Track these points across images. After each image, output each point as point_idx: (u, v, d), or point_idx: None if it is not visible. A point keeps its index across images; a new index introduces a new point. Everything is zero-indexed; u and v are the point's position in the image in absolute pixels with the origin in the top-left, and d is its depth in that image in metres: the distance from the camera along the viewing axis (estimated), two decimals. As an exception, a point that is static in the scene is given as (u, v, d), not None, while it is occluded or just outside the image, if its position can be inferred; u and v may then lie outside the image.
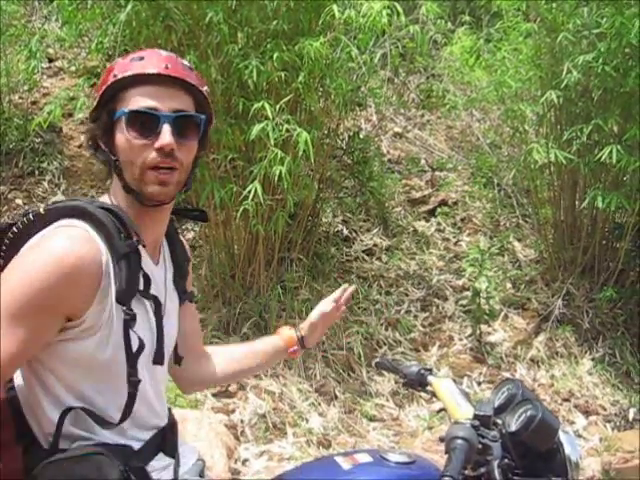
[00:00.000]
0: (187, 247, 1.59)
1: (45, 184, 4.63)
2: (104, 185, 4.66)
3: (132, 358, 1.31)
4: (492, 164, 5.39)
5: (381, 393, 3.91)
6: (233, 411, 3.57)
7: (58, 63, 5.16)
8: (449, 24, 5.28)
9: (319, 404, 3.74)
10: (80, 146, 4.84)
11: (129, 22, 3.69)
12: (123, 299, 1.29)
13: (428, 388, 1.63)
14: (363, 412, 3.77)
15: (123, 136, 1.32)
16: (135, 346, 1.31)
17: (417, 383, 1.66)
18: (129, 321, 1.29)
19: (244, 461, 3.34)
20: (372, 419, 3.76)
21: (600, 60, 3.85)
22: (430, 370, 1.65)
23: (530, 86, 4.48)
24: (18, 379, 1.36)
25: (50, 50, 5.04)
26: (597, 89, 4.13)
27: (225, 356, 1.71)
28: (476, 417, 1.31)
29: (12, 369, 1.25)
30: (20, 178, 4.62)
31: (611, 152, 3.76)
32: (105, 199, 1.40)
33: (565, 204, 4.63)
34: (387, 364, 1.82)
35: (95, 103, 1.38)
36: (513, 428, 1.33)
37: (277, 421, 3.57)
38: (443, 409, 1.52)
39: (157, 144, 1.31)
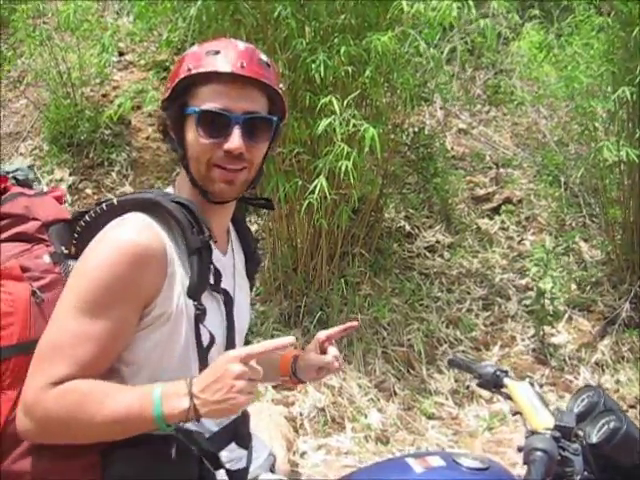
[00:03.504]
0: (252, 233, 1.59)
1: (114, 175, 4.74)
2: (170, 176, 4.75)
3: (203, 352, 1.32)
4: (559, 162, 5.25)
5: (440, 391, 3.88)
6: (293, 404, 3.59)
7: (128, 57, 5.26)
8: (517, 18, 5.17)
9: (378, 400, 3.73)
10: (148, 138, 4.93)
11: (199, 17, 3.74)
12: (194, 294, 1.29)
13: (503, 390, 1.59)
14: (422, 410, 3.75)
15: (192, 133, 1.31)
16: (206, 341, 1.32)
17: (492, 384, 1.62)
18: (200, 316, 1.30)
19: (302, 454, 3.36)
20: (431, 417, 3.73)
21: (677, 55, 3.72)
22: (506, 372, 1.60)
23: (601, 82, 4.34)
24: None
25: (121, 44, 5.15)
26: (674, 86, 3.99)
27: None
28: (557, 427, 1.26)
29: (106, 362, 1.27)
30: (90, 169, 4.74)
31: (686, 151, 3.64)
32: (170, 190, 1.41)
33: (635, 204, 4.49)
34: (460, 362, 1.78)
35: (167, 94, 1.34)
36: (594, 440, 1.28)
37: (336, 415, 3.58)
38: (518, 412, 1.49)
39: (226, 146, 1.29)
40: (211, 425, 1.37)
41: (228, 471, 1.36)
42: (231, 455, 1.42)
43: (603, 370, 4.16)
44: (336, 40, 3.59)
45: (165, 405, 1.16)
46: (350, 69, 3.55)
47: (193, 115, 1.30)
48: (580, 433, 1.30)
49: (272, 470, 1.57)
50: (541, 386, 4.04)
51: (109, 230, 1.29)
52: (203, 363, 1.31)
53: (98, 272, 1.24)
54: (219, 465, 1.33)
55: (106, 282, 1.23)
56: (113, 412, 1.18)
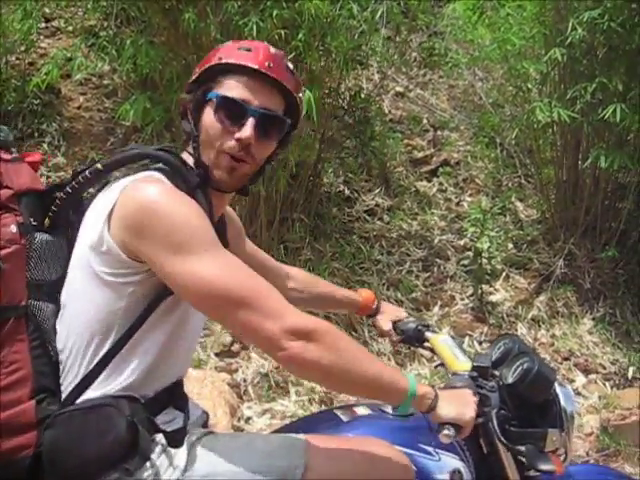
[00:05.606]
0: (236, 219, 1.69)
1: (45, 146, 4.59)
2: (104, 146, 4.64)
3: None
4: (495, 124, 5.33)
5: (383, 352, 3.95)
6: (236, 370, 3.60)
7: (55, 23, 5.08)
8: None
9: (321, 363, 3.76)
10: (79, 107, 4.80)
11: (126, -20, 3.64)
12: None
13: (426, 344, 1.63)
14: (365, 371, 3.80)
15: (210, 117, 1.38)
16: None
17: (415, 339, 1.66)
18: None
19: (247, 419, 3.39)
20: (374, 378, 3.79)
21: (606, 16, 3.78)
22: (428, 326, 1.64)
23: (534, 44, 4.41)
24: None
25: (46, 9, 4.94)
26: (602, 46, 4.08)
27: (309, 288, 1.85)
28: (474, 369, 1.32)
29: None
30: (20, 140, 4.57)
31: (615, 111, 3.71)
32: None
33: (568, 164, 4.60)
34: None
35: (194, 77, 1.43)
36: (510, 380, 1.35)
37: (280, 380, 3.60)
38: (441, 364, 1.53)
39: (237, 134, 1.37)
40: (147, 391, 1.38)
41: (165, 433, 1.37)
42: (166, 417, 1.41)
43: (539, 325, 4.29)
44: (268, 3, 3.56)
45: (417, 386, 1.31)
46: (283, 32, 3.51)
47: (214, 100, 1.38)
48: (496, 374, 1.37)
49: (204, 426, 1.58)
50: (480, 343, 4.15)
51: (148, 184, 1.30)
52: None
53: (183, 216, 1.27)
54: (157, 429, 1.35)
55: (205, 224, 1.28)
56: (381, 371, 1.30)
